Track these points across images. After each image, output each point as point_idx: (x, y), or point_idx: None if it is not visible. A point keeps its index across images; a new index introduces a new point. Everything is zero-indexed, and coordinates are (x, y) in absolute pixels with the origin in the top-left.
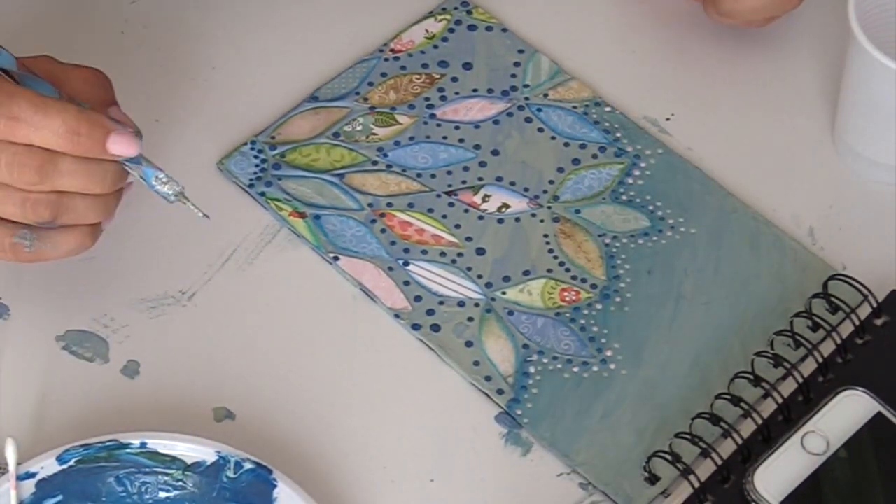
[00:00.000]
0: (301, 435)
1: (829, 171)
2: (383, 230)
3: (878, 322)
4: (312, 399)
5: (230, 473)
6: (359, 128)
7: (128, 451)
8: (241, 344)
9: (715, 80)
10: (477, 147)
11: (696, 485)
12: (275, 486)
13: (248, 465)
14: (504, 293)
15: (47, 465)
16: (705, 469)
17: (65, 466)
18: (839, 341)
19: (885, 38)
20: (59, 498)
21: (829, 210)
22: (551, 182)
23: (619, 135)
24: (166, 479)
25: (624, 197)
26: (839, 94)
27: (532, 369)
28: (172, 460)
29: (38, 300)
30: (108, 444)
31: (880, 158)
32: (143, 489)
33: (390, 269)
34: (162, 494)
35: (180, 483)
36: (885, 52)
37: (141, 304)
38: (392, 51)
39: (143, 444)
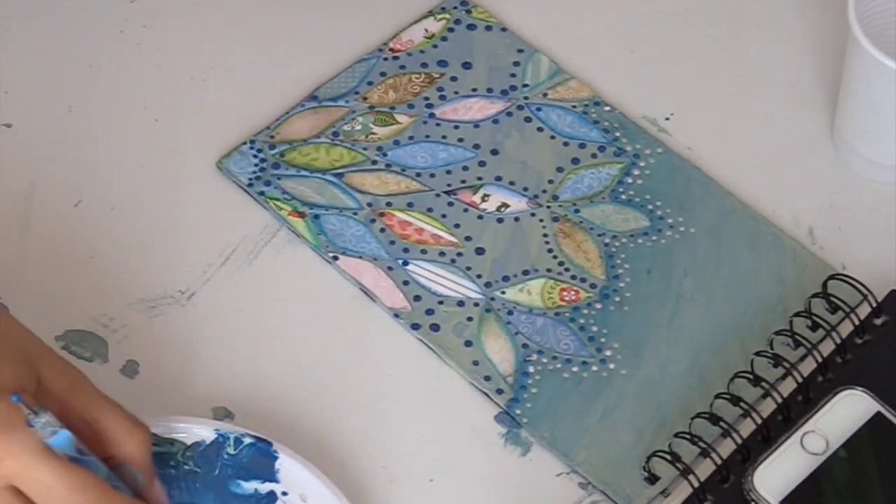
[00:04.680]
0: (300, 434)
1: (828, 171)
2: (382, 230)
3: (878, 322)
4: (312, 398)
5: (230, 450)
6: (358, 127)
7: None
8: (241, 344)
9: (715, 80)
10: (476, 146)
11: (696, 484)
12: (276, 458)
13: (247, 440)
14: (503, 293)
15: None
16: (705, 469)
17: None
18: (839, 341)
19: (885, 38)
20: None
21: (828, 210)
22: (551, 182)
23: (618, 134)
24: (168, 461)
25: (623, 196)
26: (839, 94)
27: (531, 369)
28: (171, 443)
29: (38, 300)
30: None
31: (880, 158)
32: None
33: (390, 268)
34: (165, 476)
35: (182, 464)
36: (885, 52)
37: (140, 303)
38: (391, 50)
39: None
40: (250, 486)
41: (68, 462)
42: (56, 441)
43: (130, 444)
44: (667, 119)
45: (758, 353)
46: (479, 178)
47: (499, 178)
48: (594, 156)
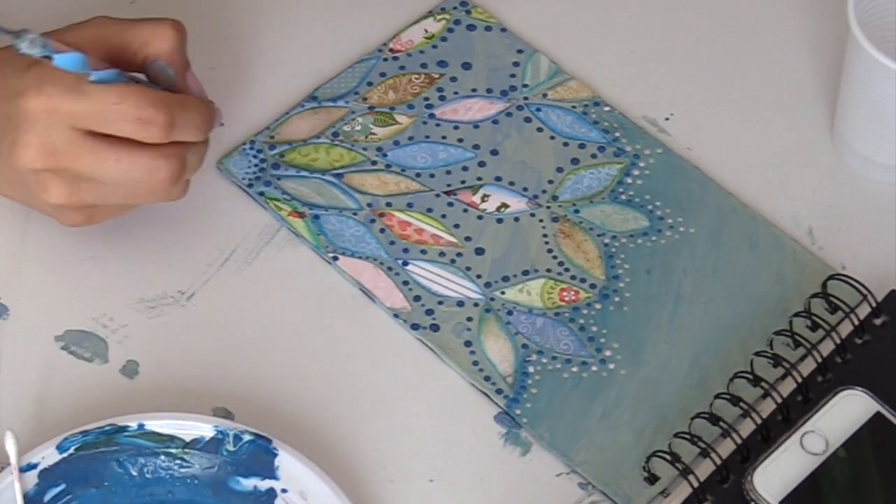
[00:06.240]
0: (300, 435)
1: (828, 170)
2: (382, 230)
3: (878, 322)
4: (311, 399)
5: (230, 447)
6: (358, 127)
7: (126, 434)
8: (241, 344)
9: (714, 80)
10: (476, 147)
11: (696, 484)
12: (276, 455)
13: (247, 437)
14: (503, 293)
15: (48, 455)
16: (704, 469)
17: (65, 455)
18: (838, 341)
19: (885, 38)
20: (63, 486)
21: (828, 210)
22: (550, 182)
23: (618, 134)
24: (167, 458)
25: (623, 197)
26: (839, 94)
27: (531, 369)
28: (171, 439)
29: (38, 300)
30: (106, 428)
31: (880, 158)
32: (144, 470)
33: (389, 268)
34: (164, 473)
35: (181, 461)
36: (885, 52)
37: (140, 304)
38: (391, 50)
39: (140, 426)
40: (250, 483)
41: (94, 84)
42: (63, 60)
43: (156, 39)
44: (666, 119)
45: (757, 354)
46: (479, 179)
47: (498, 179)
48: (594, 156)
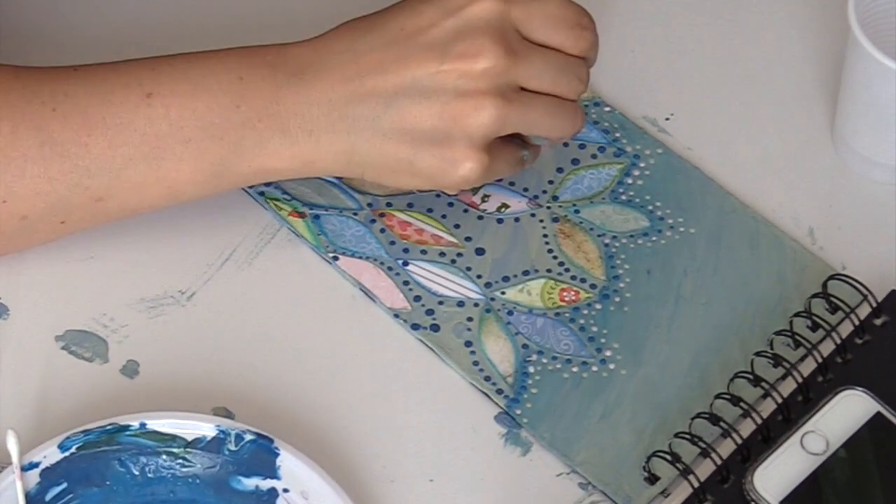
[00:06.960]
0: (300, 435)
1: (828, 170)
2: (383, 230)
3: (878, 322)
4: (311, 398)
5: (231, 446)
6: None
7: (128, 433)
8: (241, 344)
9: (715, 80)
10: None
11: (696, 484)
12: (277, 455)
13: (248, 437)
14: (503, 293)
15: (49, 454)
16: (705, 469)
17: (67, 454)
18: (839, 341)
19: (885, 38)
20: (64, 486)
21: (828, 210)
22: (550, 182)
23: (618, 135)
24: (168, 457)
25: (623, 197)
26: (839, 94)
27: (531, 369)
28: (173, 438)
29: (38, 300)
30: (107, 427)
31: (880, 158)
32: (146, 469)
33: (390, 268)
34: (166, 473)
35: (183, 460)
36: (885, 52)
37: (140, 303)
38: None
39: (142, 426)
40: (251, 483)
41: None
42: None
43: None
44: (667, 119)
45: (758, 354)
46: None
47: (499, 179)
48: (594, 156)
